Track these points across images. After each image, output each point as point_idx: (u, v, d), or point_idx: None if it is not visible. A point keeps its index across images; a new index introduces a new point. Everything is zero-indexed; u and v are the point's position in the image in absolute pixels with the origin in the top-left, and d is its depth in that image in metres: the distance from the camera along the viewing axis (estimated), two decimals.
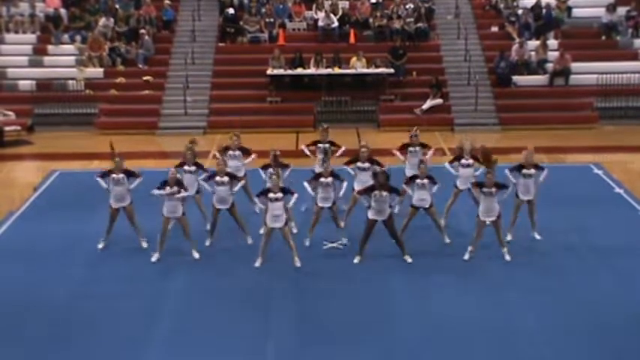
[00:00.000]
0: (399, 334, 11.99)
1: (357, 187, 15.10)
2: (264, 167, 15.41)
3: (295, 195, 14.16)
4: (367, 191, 14.06)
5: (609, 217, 16.50)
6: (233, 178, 14.94)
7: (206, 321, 12.43)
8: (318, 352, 11.33)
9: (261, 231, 14.53)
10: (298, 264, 14.06)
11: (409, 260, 14.36)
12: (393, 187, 14.16)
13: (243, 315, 12.60)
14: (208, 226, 15.36)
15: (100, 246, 14.92)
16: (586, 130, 23.51)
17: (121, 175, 14.64)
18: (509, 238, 14.97)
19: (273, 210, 13.82)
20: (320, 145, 16.54)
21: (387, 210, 14.03)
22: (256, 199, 14.50)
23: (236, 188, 14.90)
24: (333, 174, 14.68)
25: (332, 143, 16.58)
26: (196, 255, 14.55)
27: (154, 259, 14.47)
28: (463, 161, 15.52)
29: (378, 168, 14.94)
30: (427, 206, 14.67)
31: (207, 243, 15.19)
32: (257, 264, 14.14)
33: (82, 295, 13.39)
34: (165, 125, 24.64)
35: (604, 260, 14.31)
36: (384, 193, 13.85)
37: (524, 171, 14.75)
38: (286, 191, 14.02)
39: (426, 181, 14.48)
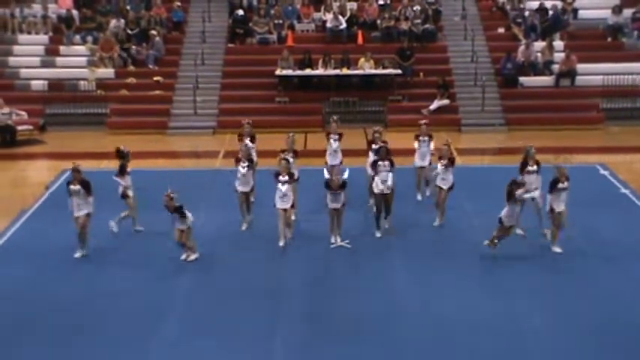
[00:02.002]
0: (404, 332, 11.98)
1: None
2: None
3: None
4: (374, 164, 15.85)
5: (615, 217, 16.46)
6: (251, 162, 16.08)
7: (214, 318, 12.44)
8: (325, 350, 11.33)
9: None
10: (281, 243, 15.09)
11: (377, 235, 15.68)
12: (392, 159, 15.77)
13: (250, 312, 12.62)
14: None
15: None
16: (592, 130, 23.43)
17: (77, 187, 14.55)
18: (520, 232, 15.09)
19: (281, 192, 14.93)
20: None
21: (389, 183, 15.46)
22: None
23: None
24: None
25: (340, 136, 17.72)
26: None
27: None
28: (529, 168, 15.34)
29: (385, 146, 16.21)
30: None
31: (244, 227, 16.10)
32: (281, 243, 15.10)
33: (92, 292, 13.44)
34: (175, 125, 24.63)
35: (610, 260, 14.31)
36: (386, 163, 15.60)
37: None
38: (292, 176, 15.28)
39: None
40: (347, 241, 15.12)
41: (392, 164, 15.72)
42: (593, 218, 16.15)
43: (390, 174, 15.53)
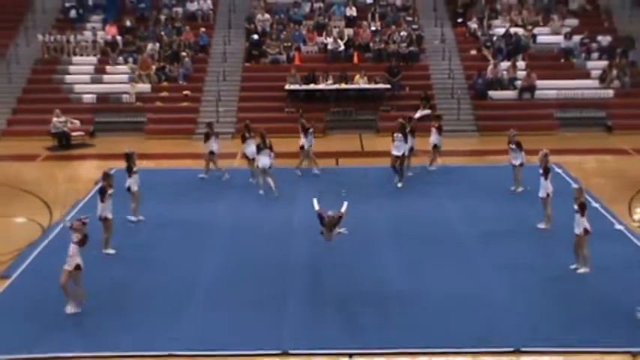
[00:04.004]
0: (393, 303, 11.97)
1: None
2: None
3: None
4: (392, 134, 18.11)
5: (568, 208, 16.33)
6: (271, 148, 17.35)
7: (234, 292, 12.43)
8: (326, 317, 11.35)
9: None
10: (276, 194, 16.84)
11: (399, 185, 17.79)
12: (405, 132, 17.93)
13: (263, 287, 12.61)
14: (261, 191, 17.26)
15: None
16: (548, 136, 23.39)
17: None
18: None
19: (262, 157, 17.03)
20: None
21: (402, 148, 17.74)
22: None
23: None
24: None
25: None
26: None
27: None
28: (511, 146, 17.08)
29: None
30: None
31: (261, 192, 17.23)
32: (261, 192, 17.03)
33: (131, 269, 13.43)
34: (201, 131, 24.28)
35: (566, 243, 14.11)
36: (400, 135, 17.79)
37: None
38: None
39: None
40: (345, 229, 15.07)
41: (405, 137, 17.83)
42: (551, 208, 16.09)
43: (402, 143, 17.68)
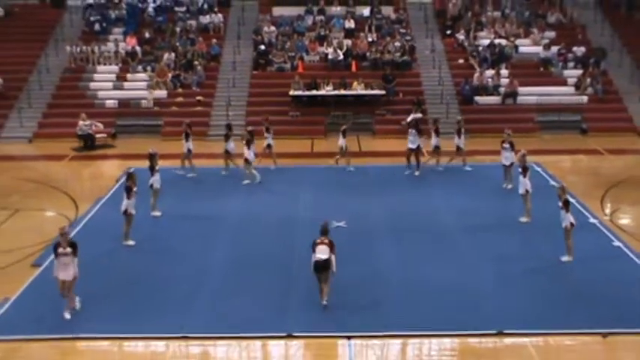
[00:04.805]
0: (385, 288, 12.02)
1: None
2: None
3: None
4: (408, 129, 19.11)
5: (548, 203, 16.36)
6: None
7: (243, 280, 12.49)
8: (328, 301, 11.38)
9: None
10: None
11: (417, 173, 18.62)
12: (419, 128, 18.98)
13: (270, 275, 12.67)
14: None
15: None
16: (529, 137, 23.39)
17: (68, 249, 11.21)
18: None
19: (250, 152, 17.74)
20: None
21: (416, 142, 18.68)
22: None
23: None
24: None
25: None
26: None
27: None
28: (504, 145, 17.59)
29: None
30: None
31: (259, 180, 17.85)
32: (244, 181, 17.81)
33: (150, 259, 13.50)
34: (212, 133, 24.55)
35: (545, 235, 14.19)
36: (413, 130, 18.75)
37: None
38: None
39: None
40: (344, 222, 15.12)
41: (419, 132, 18.74)
42: (532, 203, 16.12)
43: (416, 138, 18.60)
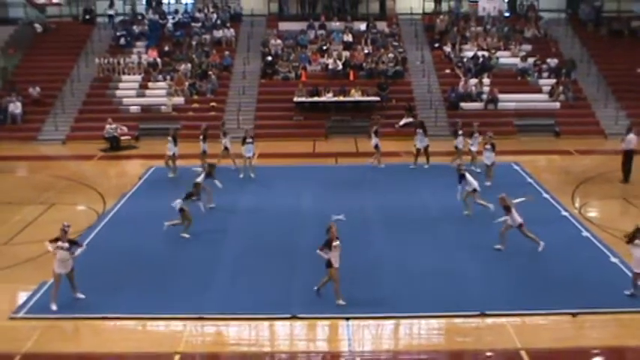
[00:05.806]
0: (382, 277, 12.03)
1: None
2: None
3: None
4: (415, 130, 19.25)
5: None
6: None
7: (252, 266, 12.51)
8: (327, 286, 11.36)
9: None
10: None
11: (426, 166, 18.86)
12: (425, 128, 19.03)
13: (277, 262, 12.68)
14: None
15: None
16: (508, 139, 23.41)
17: (66, 244, 10.91)
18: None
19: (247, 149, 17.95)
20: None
21: (424, 142, 18.90)
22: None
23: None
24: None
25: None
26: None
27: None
28: (486, 146, 17.68)
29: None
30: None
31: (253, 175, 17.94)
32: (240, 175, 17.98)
33: (169, 247, 13.53)
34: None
35: (530, 225, 14.07)
36: (420, 130, 18.92)
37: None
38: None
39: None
40: (343, 215, 15.11)
41: (425, 132, 18.92)
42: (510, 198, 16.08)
43: (423, 137, 18.75)
